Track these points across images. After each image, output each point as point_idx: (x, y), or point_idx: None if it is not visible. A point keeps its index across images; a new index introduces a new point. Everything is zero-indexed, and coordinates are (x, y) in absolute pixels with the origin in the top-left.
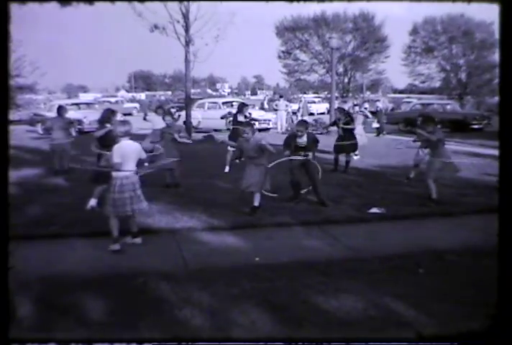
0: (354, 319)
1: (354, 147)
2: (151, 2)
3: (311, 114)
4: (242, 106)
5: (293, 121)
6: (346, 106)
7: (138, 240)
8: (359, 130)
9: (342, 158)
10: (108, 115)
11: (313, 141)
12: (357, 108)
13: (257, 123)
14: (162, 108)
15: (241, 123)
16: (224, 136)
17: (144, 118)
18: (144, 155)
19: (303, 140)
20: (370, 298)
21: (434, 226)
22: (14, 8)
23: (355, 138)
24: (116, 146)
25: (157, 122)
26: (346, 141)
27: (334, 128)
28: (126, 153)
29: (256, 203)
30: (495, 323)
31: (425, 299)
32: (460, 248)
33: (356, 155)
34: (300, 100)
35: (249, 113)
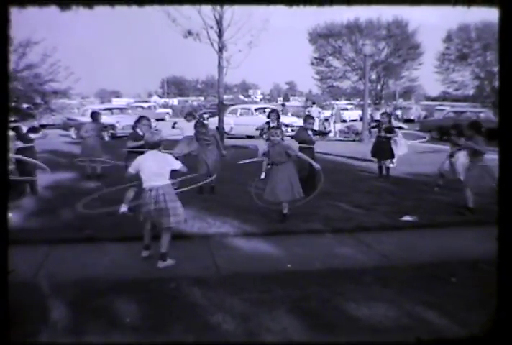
0: (385, 327)
1: (392, 153)
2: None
3: (344, 121)
4: (269, 113)
5: (325, 128)
6: (378, 113)
7: (161, 264)
8: (399, 138)
9: (372, 165)
10: (135, 121)
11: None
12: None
13: (289, 129)
14: (192, 115)
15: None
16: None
17: (173, 127)
18: (177, 166)
19: (310, 133)
20: (402, 306)
21: (467, 235)
22: (49, 16)
23: (390, 144)
24: (137, 157)
25: (187, 129)
26: (386, 147)
27: (365, 134)
28: (147, 166)
29: (285, 210)
30: (494, 327)
31: (457, 308)
32: (494, 257)
33: (392, 163)
34: (333, 107)
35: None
